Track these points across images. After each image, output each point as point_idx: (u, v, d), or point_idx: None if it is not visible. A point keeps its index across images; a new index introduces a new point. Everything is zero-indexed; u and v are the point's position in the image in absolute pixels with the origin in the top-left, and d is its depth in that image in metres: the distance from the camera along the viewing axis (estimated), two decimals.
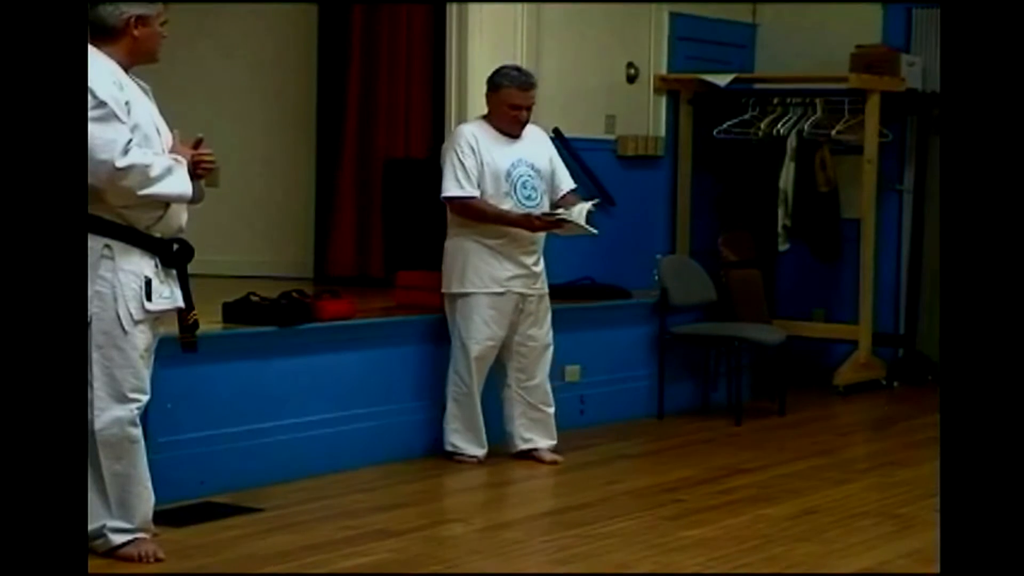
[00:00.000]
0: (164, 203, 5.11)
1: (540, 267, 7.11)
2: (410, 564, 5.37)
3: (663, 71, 9.53)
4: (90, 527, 5.04)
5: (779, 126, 9.39)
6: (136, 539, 5.18)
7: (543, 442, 7.19)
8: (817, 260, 9.65)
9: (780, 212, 9.32)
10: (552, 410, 7.21)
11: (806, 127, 9.34)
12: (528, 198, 6.99)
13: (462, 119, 8.47)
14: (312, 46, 9.33)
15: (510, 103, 6.95)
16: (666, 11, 9.53)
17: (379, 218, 8.72)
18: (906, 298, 9.91)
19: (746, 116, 9.52)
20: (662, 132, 9.58)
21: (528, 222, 6.93)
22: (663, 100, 9.58)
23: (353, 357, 6.94)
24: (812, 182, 9.36)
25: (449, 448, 7.07)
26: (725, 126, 9.53)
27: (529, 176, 7.00)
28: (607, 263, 8.85)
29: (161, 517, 5.46)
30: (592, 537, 5.76)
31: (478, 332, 6.96)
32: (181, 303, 5.22)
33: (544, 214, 6.98)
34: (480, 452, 7.08)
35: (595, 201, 7.14)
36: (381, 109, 9.04)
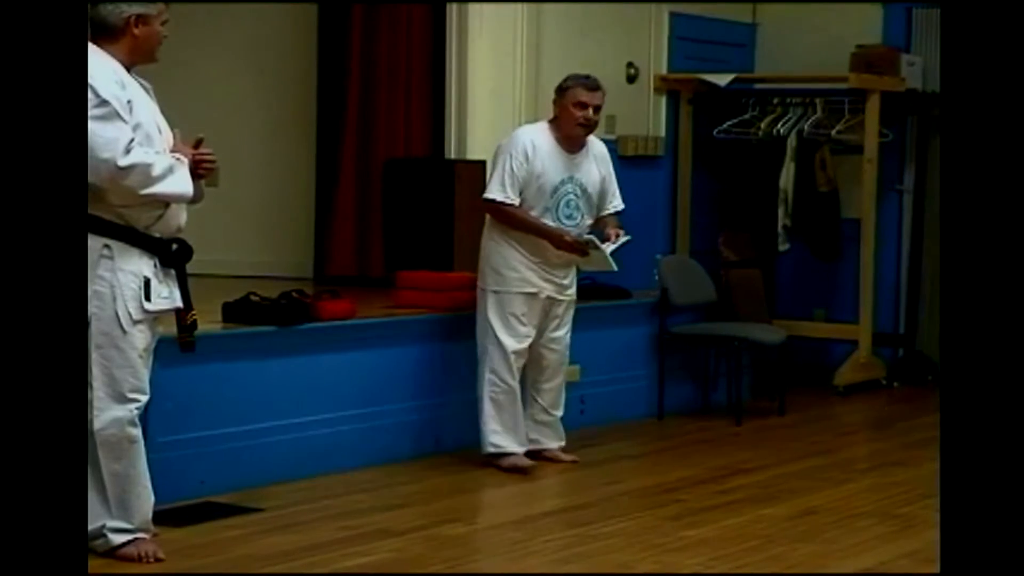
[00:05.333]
0: (164, 203, 5.11)
1: (570, 279, 7.11)
2: (411, 564, 5.37)
3: (663, 71, 9.53)
4: (90, 527, 5.04)
5: (779, 126, 9.40)
6: (136, 539, 5.19)
7: (553, 443, 7.20)
8: (817, 260, 9.65)
9: (780, 212, 9.33)
10: (560, 414, 7.21)
11: (806, 127, 9.34)
12: (569, 217, 6.96)
13: (462, 119, 8.50)
14: (312, 46, 9.32)
15: (576, 100, 6.88)
16: (666, 11, 9.53)
17: (379, 218, 8.71)
18: (906, 298, 9.91)
19: (746, 116, 9.52)
20: (662, 132, 9.58)
21: (559, 237, 6.89)
22: (663, 100, 9.58)
23: (353, 357, 6.94)
24: (812, 182, 9.36)
25: (491, 449, 6.98)
26: (725, 126, 9.53)
27: (575, 196, 6.96)
28: None
29: (161, 517, 5.46)
30: (593, 537, 5.76)
31: (514, 330, 6.94)
32: (180, 303, 5.22)
33: (576, 238, 6.91)
34: (521, 450, 7.03)
35: (626, 239, 7.05)
36: (381, 109, 9.03)
